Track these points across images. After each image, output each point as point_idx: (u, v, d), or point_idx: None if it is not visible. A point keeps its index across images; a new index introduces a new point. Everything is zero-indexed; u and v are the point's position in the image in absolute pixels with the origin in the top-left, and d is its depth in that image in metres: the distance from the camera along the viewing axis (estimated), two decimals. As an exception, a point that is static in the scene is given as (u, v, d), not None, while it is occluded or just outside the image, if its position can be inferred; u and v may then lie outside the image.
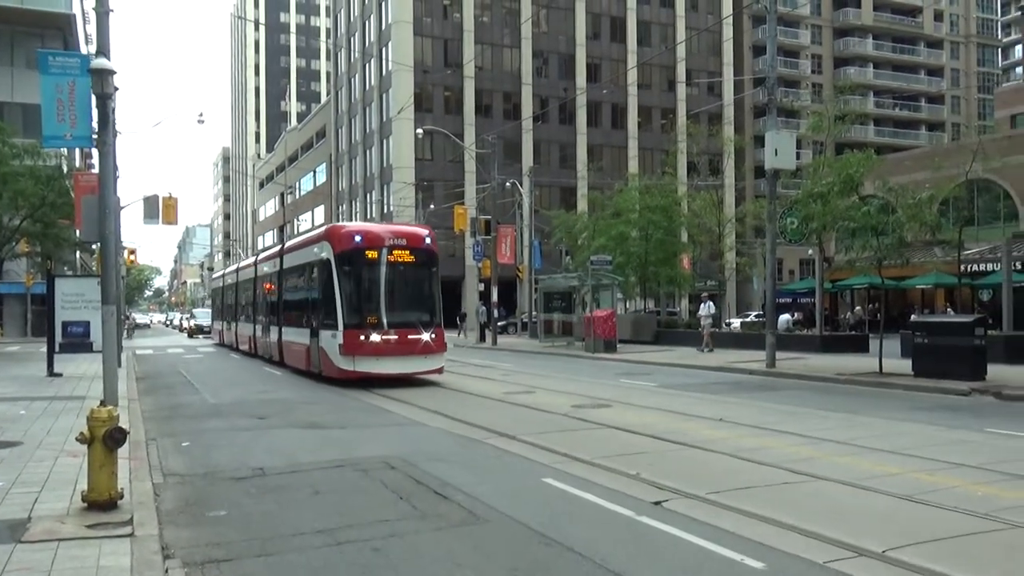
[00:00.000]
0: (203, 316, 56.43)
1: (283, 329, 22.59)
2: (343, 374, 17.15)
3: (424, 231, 18.90)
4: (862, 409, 13.38)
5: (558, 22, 64.05)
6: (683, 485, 7.67)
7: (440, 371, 18.12)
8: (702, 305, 28.91)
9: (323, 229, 19.72)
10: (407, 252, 17.88)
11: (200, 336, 50.29)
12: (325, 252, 18.09)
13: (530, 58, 62.38)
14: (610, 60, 65.29)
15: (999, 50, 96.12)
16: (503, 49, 61.84)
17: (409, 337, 17.38)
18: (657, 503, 7.11)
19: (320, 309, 18.27)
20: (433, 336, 17.66)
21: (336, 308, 17.31)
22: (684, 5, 68.17)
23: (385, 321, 17.33)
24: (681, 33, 66.73)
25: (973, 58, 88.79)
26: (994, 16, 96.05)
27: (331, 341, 17.46)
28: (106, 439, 6.43)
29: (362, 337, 16.95)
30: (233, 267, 36.33)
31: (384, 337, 17.11)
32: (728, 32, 68.73)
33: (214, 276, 51.06)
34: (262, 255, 28.58)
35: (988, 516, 6.53)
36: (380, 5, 63.11)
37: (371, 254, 17.60)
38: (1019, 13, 74.97)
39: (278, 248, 24.83)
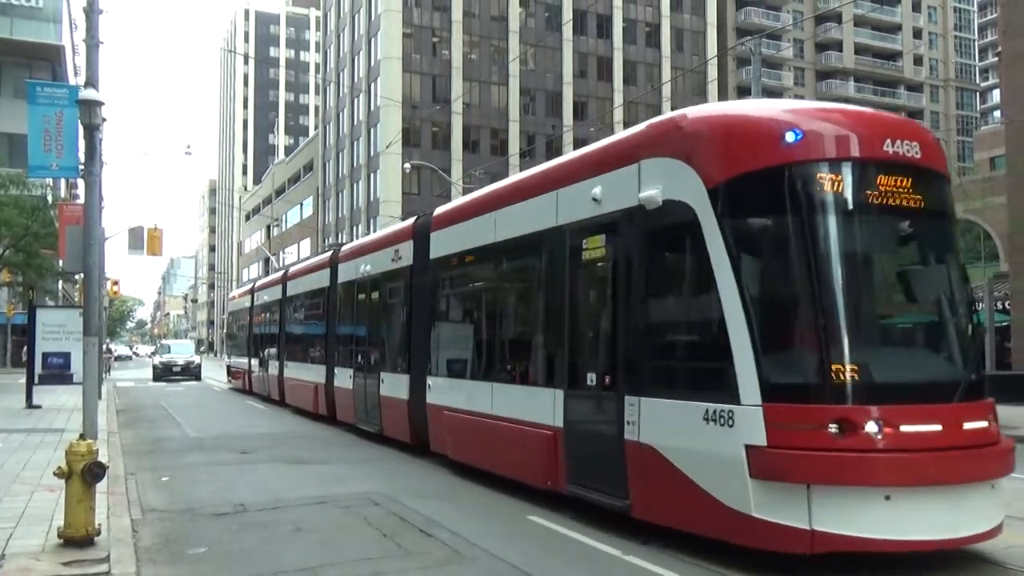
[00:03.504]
0: (181, 349, 42.25)
1: (431, 383, 11.53)
2: (761, 538, 6.13)
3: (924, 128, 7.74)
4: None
5: (545, 60, 64.80)
6: (670, 524, 7.56)
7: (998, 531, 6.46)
8: None
9: (650, 125, 7.73)
10: (909, 180, 6.69)
11: (173, 378, 35.84)
12: (660, 185, 7.10)
13: (518, 95, 62.97)
14: (597, 98, 65.99)
15: (977, 94, 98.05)
16: (491, 86, 62.39)
17: (966, 427, 6.38)
18: (644, 541, 7.03)
19: (624, 344, 7.45)
20: (992, 420, 6.68)
21: (728, 339, 6.36)
22: (670, 46, 69.19)
23: (883, 376, 6.32)
24: (667, 73, 67.63)
25: (952, 102, 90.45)
26: (972, 61, 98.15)
27: (708, 439, 6.44)
28: (84, 474, 6.31)
29: (834, 428, 5.96)
30: (273, 275, 25.62)
31: (902, 428, 6.09)
32: (712, 73, 69.74)
33: (234, 295, 34.32)
34: (348, 249, 16.98)
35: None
36: (369, 42, 63.71)
37: (831, 180, 6.53)
38: (996, 59, 76.68)
39: (399, 229, 14.01)
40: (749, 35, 61.22)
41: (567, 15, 63.31)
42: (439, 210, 12.50)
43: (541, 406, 8.55)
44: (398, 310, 13.37)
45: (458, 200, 12.66)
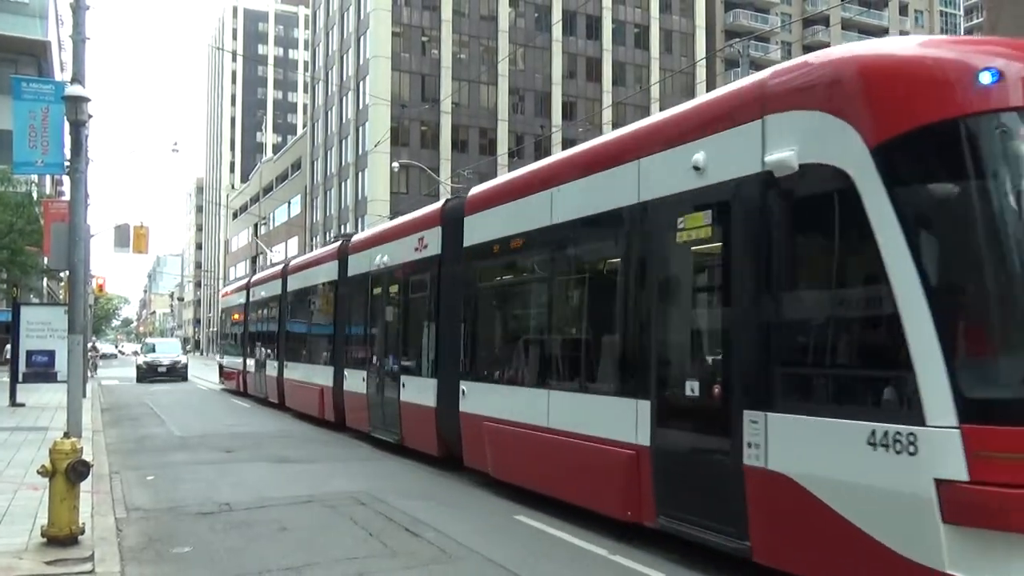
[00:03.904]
0: (167, 348, 39.23)
1: (466, 388, 10.09)
2: None
3: None
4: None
5: (535, 61, 64.87)
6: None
7: None
8: None
9: (777, 71, 6.05)
10: None
11: (158, 380, 33.39)
12: (795, 145, 5.55)
13: (507, 95, 63.02)
14: (585, 99, 66.11)
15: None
16: (480, 86, 62.38)
17: None
18: (630, 541, 7.05)
19: (743, 346, 5.96)
20: None
21: (904, 340, 4.84)
22: (658, 47, 69.40)
23: None
24: (655, 74, 67.82)
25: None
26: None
27: (875, 470, 4.92)
28: (68, 472, 6.27)
29: None
30: (272, 269, 23.28)
31: None
32: (701, 75, 69.99)
33: (227, 291, 32.09)
34: (360, 239, 15.53)
35: None
36: (358, 40, 63.57)
37: None
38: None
39: (424, 215, 12.39)
40: (737, 37, 61.56)
41: (556, 15, 63.41)
42: (475, 190, 10.80)
43: (618, 419, 7.04)
44: (422, 305, 11.81)
45: (500, 178, 10.87)
